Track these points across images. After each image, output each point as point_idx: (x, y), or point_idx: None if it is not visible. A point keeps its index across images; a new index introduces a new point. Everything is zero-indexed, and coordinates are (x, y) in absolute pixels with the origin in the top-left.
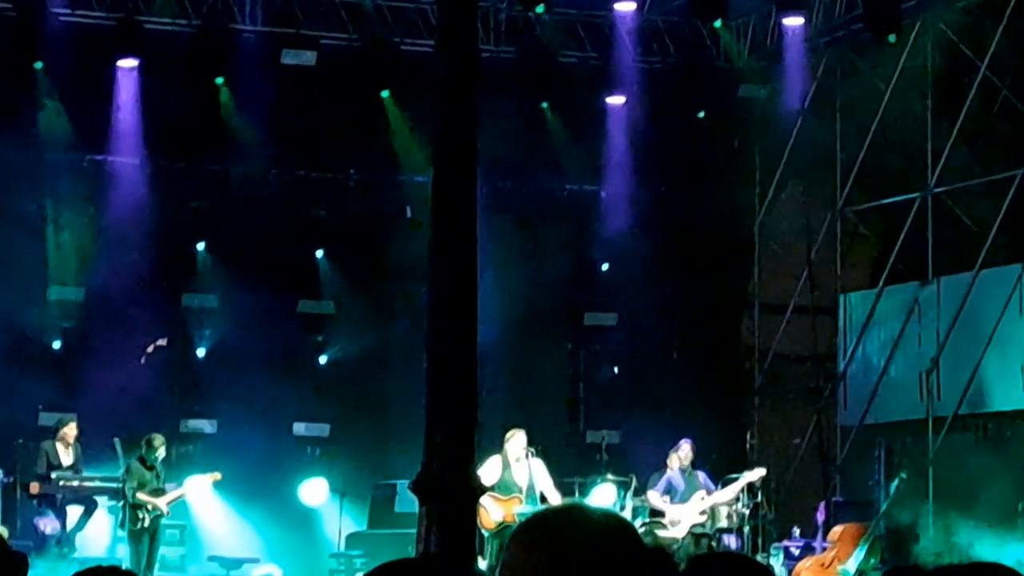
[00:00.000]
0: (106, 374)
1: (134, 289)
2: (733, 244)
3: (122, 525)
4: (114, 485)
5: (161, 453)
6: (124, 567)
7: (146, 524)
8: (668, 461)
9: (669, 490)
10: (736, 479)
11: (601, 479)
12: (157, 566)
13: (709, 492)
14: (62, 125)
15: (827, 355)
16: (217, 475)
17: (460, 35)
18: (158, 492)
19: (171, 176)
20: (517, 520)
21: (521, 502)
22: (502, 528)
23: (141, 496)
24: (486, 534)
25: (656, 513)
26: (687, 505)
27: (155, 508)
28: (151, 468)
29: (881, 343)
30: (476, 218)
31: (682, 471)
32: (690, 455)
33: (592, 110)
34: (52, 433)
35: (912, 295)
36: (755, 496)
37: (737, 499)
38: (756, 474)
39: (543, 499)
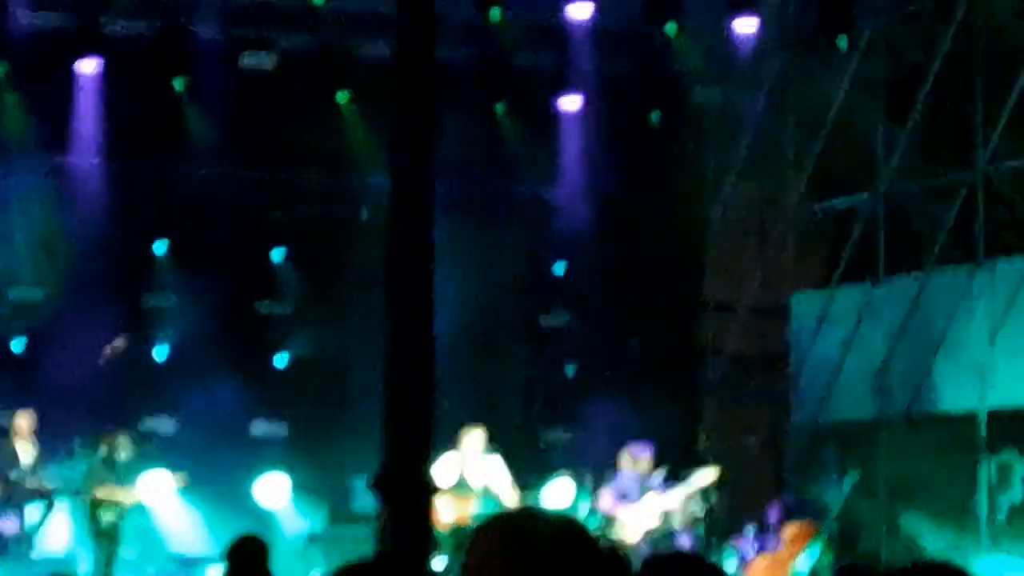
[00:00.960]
0: (65, 374)
1: (93, 289)
2: (687, 245)
3: (82, 525)
4: (74, 484)
5: (127, 454)
6: (84, 567)
7: (105, 524)
8: (620, 461)
9: (622, 499)
10: (687, 478)
11: (556, 478)
12: (117, 565)
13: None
14: (22, 125)
15: (780, 354)
16: (182, 477)
17: (417, 38)
18: (118, 492)
19: (130, 177)
20: (471, 520)
21: (476, 500)
22: (457, 528)
23: (100, 495)
24: (441, 534)
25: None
26: (640, 507)
27: (115, 507)
28: (113, 468)
29: (834, 343)
30: (433, 220)
31: (638, 479)
32: (649, 464)
33: (547, 112)
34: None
35: (864, 295)
36: (708, 496)
37: (690, 499)
38: (708, 475)
39: (499, 497)
